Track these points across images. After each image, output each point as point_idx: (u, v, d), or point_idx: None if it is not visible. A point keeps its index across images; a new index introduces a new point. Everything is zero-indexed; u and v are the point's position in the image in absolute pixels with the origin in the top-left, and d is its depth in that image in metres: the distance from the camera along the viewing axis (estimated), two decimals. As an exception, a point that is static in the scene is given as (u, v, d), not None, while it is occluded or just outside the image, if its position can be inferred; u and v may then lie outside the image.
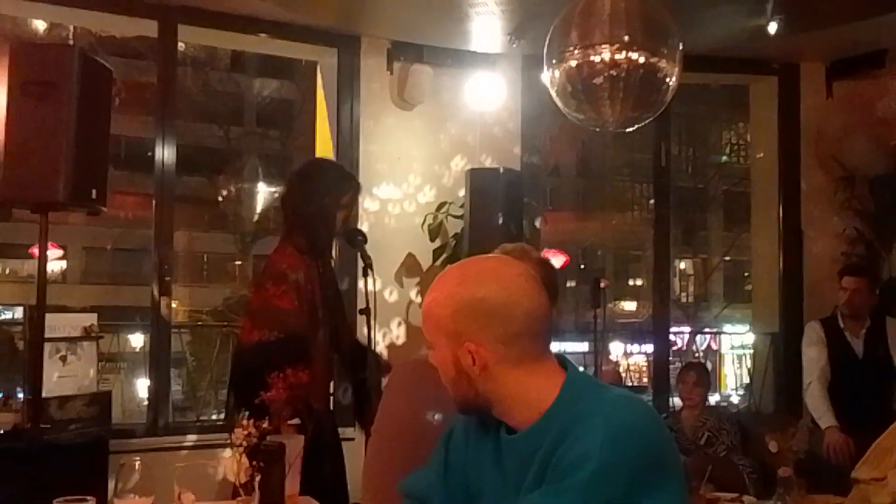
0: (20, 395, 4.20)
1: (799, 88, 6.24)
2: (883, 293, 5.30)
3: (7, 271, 20.76)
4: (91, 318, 4.43)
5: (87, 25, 7.94)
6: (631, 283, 25.70)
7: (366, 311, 3.76)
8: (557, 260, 5.57)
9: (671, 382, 6.06)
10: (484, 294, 1.66)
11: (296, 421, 2.95)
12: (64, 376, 4.16)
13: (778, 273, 6.26)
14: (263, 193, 19.28)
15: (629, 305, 25.13)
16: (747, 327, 9.45)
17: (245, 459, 2.35)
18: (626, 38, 3.94)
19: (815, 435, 4.97)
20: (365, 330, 3.83)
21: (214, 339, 8.59)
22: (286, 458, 2.52)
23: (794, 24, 5.24)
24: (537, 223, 6.42)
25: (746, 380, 8.15)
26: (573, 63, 4.00)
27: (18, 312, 11.10)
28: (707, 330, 22.52)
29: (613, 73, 3.93)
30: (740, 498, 4.12)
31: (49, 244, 3.91)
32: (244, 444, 2.37)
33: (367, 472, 2.54)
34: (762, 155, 6.64)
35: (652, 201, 7.58)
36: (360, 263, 3.79)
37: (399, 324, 5.57)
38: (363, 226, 5.19)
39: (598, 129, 4.35)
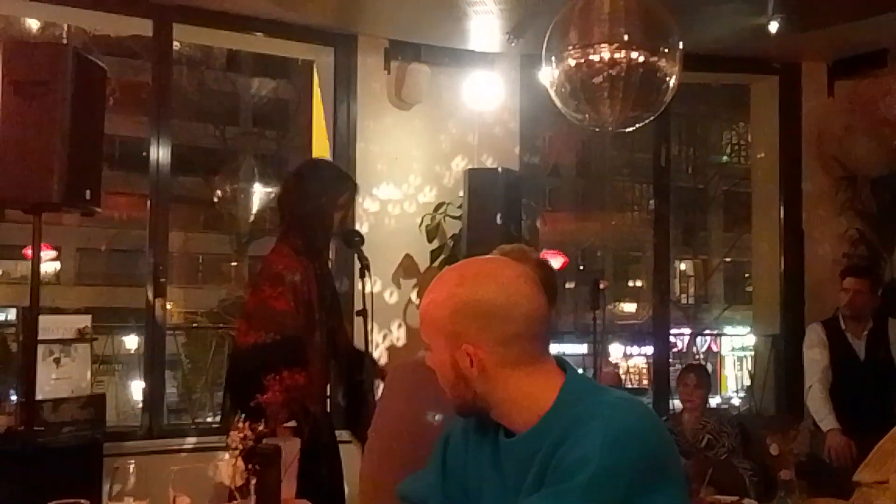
0: (13, 398, 4.18)
1: (800, 88, 6.22)
2: (885, 294, 5.28)
3: (0, 272, 20.72)
4: (85, 320, 4.42)
5: (81, 24, 7.94)
6: (631, 284, 25.73)
7: (363, 313, 3.73)
8: (556, 261, 5.57)
9: (671, 385, 6.06)
10: (482, 295, 1.65)
11: (292, 423, 2.93)
12: (58, 378, 4.16)
13: (779, 274, 6.24)
14: (259, 194, 19.25)
15: (629, 307, 25.16)
16: (748, 329, 9.45)
17: (241, 462, 2.35)
18: (626, 37, 3.94)
19: (817, 437, 4.96)
20: (362, 332, 3.79)
21: (210, 340, 8.54)
22: (282, 461, 2.49)
23: (796, 24, 5.23)
24: (537, 224, 6.41)
25: (747, 382, 8.14)
26: (572, 62, 4.00)
27: (12, 314, 11.10)
28: (707, 332, 22.54)
29: (613, 72, 3.93)
30: (741, 501, 4.13)
31: (43, 245, 3.89)
32: (240, 446, 2.35)
33: (365, 474, 2.54)
34: (763, 155, 6.62)
35: (652, 202, 7.56)
36: (358, 265, 3.77)
37: (399, 325, 5.54)
38: (359, 226, 5.18)
39: (597, 129, 4.33)
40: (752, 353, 7.32)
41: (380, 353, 5.39)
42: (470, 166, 5.60)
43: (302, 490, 2.75)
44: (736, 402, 17.88)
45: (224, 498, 2.41)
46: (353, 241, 3.87)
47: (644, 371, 16.81)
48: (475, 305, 1.65)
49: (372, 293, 3.66)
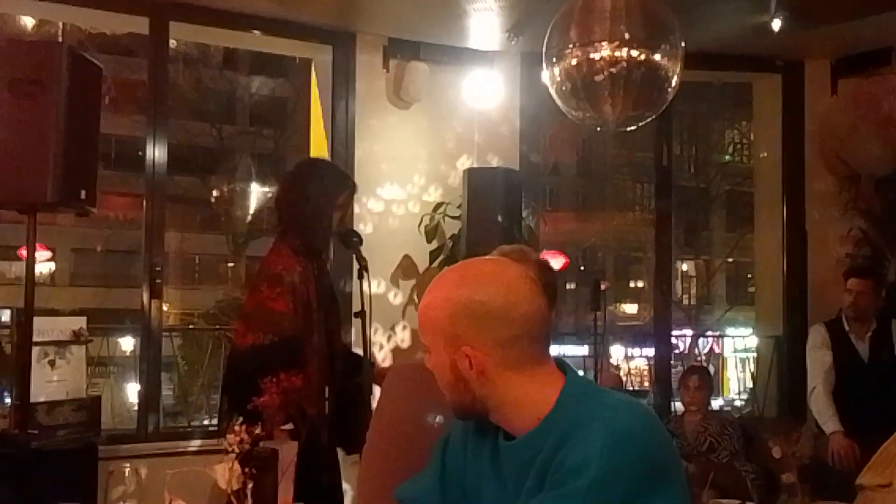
0: (7, 401, 4.17)
1: (803, 86, 6.19)
2: (888, 295, 5.25)
3: (-6, 273, 20.73)
4: (80, 322, 4.39)
5: (76, 22, 7.94)
6: (632, 284, 25.77)
7: (361, 315, 3.70)
8: (557, 262, 5.54)
9: (673, 387, 6.04)
10: (482, 297, 1.64)
11: (289, 426, 2.89)
12: (52, 381, 4.13)
13: (782, 275, 6.21)
14: (257, 193, 19.32)
15: (630, 308, 25.20)
16: (750, 330, 9.44)
17: (237, 466, 2.31)
18: (627, 35, 3.95)
19: (820, 440, 4.94)
20: (362, 333, 3.75)
21: (206, 342, 8.53)
22: (279, 465, 2.47)
23: (799, 21, 5.20)
24: (537, 223, 6.39)
25: (750, 384, 8.11)
26: (573, 61, 4.00)
27: (6, 315, 11.08)
28: (709, 333, 22.53)
29: (614, 70, 3.93)
30: (743, 504, 4.08)
31: (37, 246, 3.86)
32: (236, 450, 2.31)
33: (364, 477, 2.54)
34: (766, 154, 6.61)
35: (653, 201, 7.53)
36: (356, 265, 3.74)
37: (404, 327, 5.51)
38: (361, 227, 5.16)
39: (598, 128, 4.32)
40: (755, 354, 7.30)
41: (384, 356, 5.38)
42: (469, 165, 5.58)
43: (300, 494, 2.72)
44: (738, 404, 17.86)
45: (221, 502, 2.39)
46: (352, 241, 3.84)
47: (645, 373, 16.77)
48: (475, 307, 1.64)
49: (370, 294, 3.64)
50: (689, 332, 18.78)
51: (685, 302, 24.01)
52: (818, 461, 4.81)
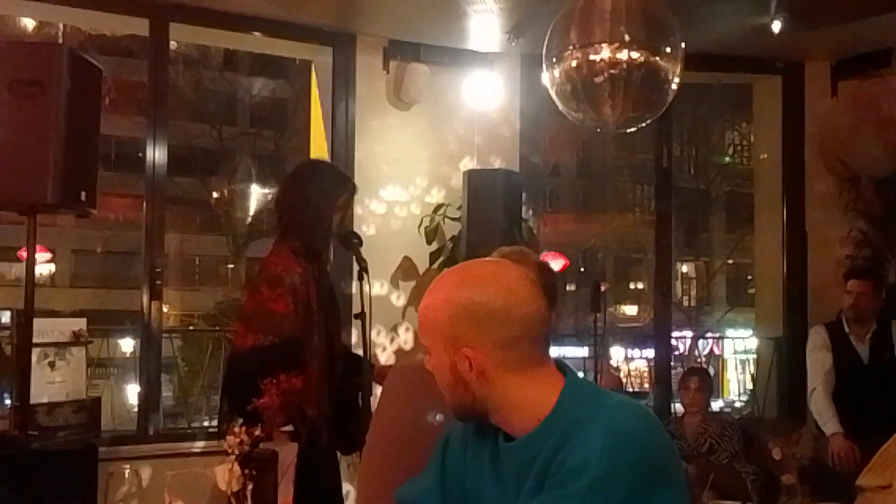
0: (7, 402, 4.16)
1: (803, 88, 6.18)
2: (888, 296, 5.25)
3: (-6, 275, 20.71)
4: (80, 323, 4.40)
5: (76, 24, 7.92)
6: (632, 286, 25.77)
7: (361, 316, 3.69)
8: (557, 263, 5.54)
9: (673, 388, 6.03)
10: (482, 298, 1.64)
11: (289, 428, 2.89)
12: (52, 382, 4.13)
13: (782, 276, 6.20)
14: (257, 195, 19.31)
15: (630, 309, 25.19)
16: (750, 331, 9.44)
17: (237, 467, 2.31)
18: (627, 36, 3.94)
19: (820, 441, 4.95)
20: (363, 335, 3.75)
21: (206, 344, 8.52)
22: (279, 467, 2.47)
23: (799, 23, 5.20)
24: (538, 225, 6.39)
25: (750, 385, 8.10)
26: (573, 62, 3.99)
27: (6, 317, 11.08)
28: (709, 334, 22.50)
29: (614, 72, 3.93)
30: (743, 505, 4.09)
31: (37, 247, 3.86)
32: (236, 451, 2.31)
33: (364, 478, 2.54)
34: (766, 156, 6.60)
35: (653, 203, 7.53)
36: (356, 267, 3.74)
37: (406, 329, 5.51)
38: (364, 228, 5.16)
39: (598, 130, 4.32)
40: (755, 355, 7.29)
41: (386, 357, 5.38)
42: (469, 167, 5.57)
43: (300, 495, 2.72)
44: (738, 405, 17.86)
45: (221, 503, 2.39)
46: (352, 242, 3.84)
47: (645, 374, 16.77)
48: (474, 308, 1.64)
49: (370, 295, 3.64)
50: (689, 333, 18.78)
51: (685, 303, 24.02)
52: (818, 462, 4.81)
